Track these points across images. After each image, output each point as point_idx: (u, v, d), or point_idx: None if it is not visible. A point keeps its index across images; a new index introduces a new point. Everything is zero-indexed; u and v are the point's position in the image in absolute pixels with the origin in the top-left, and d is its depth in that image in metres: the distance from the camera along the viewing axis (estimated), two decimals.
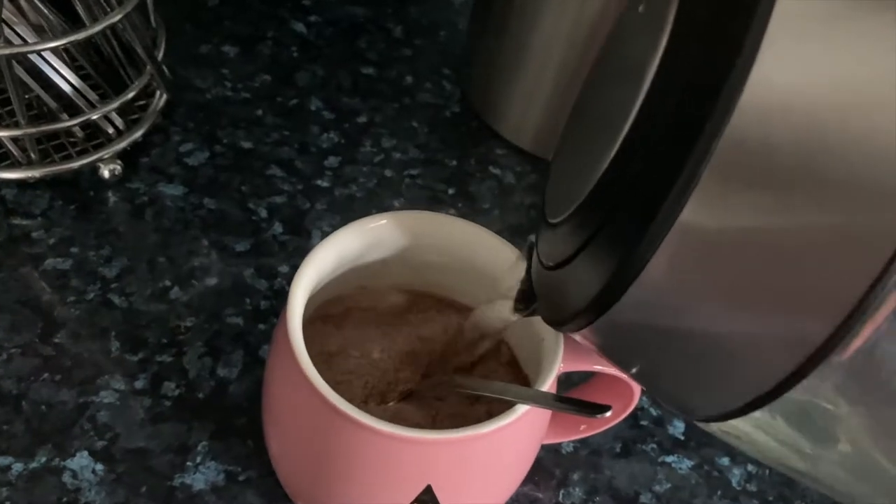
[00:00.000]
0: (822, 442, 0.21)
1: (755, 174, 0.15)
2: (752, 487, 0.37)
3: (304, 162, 0.45)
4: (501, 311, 0.26)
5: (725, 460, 0.37)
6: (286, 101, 0.48)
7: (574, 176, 0.21)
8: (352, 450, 0.24)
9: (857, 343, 0.16)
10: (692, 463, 0.37)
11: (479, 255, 0.29)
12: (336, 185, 0.44)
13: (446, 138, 0.49)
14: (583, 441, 0.37)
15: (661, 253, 0.16)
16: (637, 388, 0.30)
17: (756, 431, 0.20)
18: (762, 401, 0.18)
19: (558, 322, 0.21)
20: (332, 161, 0.46)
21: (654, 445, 0.37)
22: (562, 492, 0.35)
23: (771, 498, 0.37)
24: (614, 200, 0.18)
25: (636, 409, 0.38)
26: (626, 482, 0.36)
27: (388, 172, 0.46)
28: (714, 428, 0.21)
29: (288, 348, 0.25)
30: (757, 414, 0.18)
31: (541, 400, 0.25)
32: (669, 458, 0.37)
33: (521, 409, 0.25)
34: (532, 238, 0.25)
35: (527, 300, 0.25)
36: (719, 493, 0.36)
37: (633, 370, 0.21)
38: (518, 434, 0.26)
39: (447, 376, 0.28)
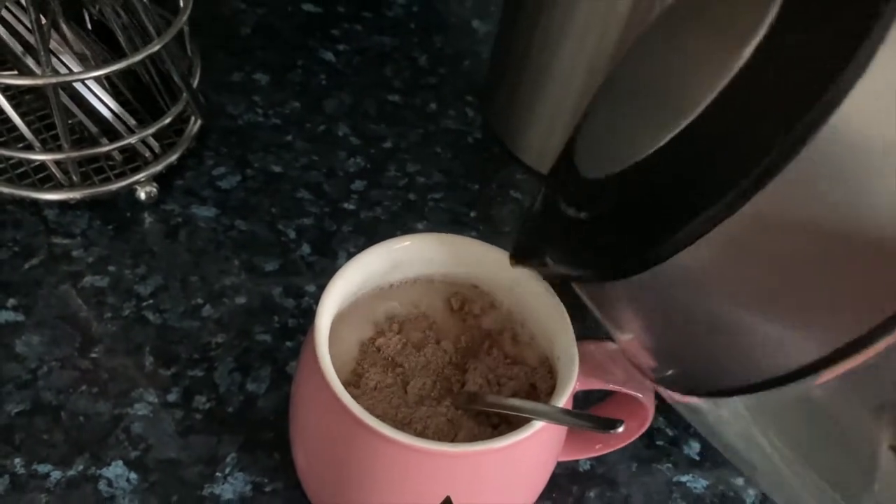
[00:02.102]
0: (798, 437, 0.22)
1: (821, 182, 0.16)
2: None
3: (332, 185, 0.47)
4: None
5: (740, 481, 0.38)
6: (315, 126, 0.50)
7: (620, 137, 0.22)
8: (375, 461, 0.26)
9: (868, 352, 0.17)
10: (707, 483, 0.38)
11: (500, 275, 0.31)
12: (362, 208, 0.46)
13: (469, 163, 0.50)
14: (599, 460, 0.38)
15: (716, 231, 0.17)
16: (651, 408, 0.30)
17: (739, 413, 0.21)
18: (761, 386, 0.19)
19: (574, 275, 0.21)
20: (358, 185, 0.47)
21: (670, 465, 0.38)
22: None
23: None
24: (680, 170, 0.19)
25: (652, 428, 0.39)
26: (642, 500, 0.37)
27: (411, 196, 0.47)
28: (697, 402, 0.22)
29: (314, 363, 0.26)
30: (751, 397, 0.20)
31: (555, 415, 0.26)
32: (685, 478, 0.38)
33: (537, 424, 0.26)
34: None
35: (526, 251, 0.26)
36: None
37: (634, 335, 0.22)
38: (533, 449, 0.27)
39: (465, 394, 0.29)
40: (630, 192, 0.20)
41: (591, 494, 0.37)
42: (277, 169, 0.47)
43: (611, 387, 0.29)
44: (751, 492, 0.38)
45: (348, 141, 0.50)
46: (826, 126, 0.16)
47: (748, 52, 0.19)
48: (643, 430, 0.31)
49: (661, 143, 0.20)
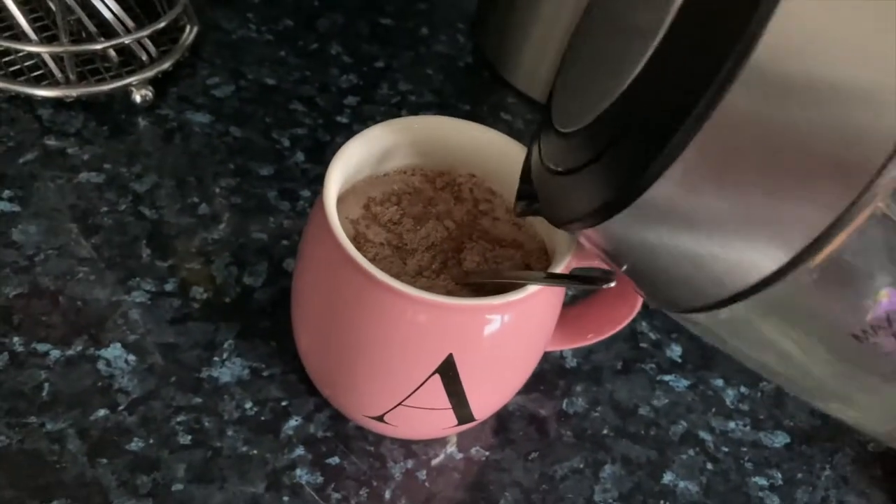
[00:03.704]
0: (788, 338, 0.23)
1: (769, 97, 0.17)
2: (744, 407, 0.39)
3: (325, 100, 0.47)
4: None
5: (720, 382, 0.40)
6: (307, 44, 0.50)
7: (587, 90, 0.23)
8: (382, 317, 0.26)
9: (829, 249, 0.18)
10: (688, 383, 0.39)
11: (500, 162, 0.32)
12: (355, 122, 0.46)
13: (459, 85, 0.51)
14: (585, 358, 0.39)
15: (672, 169, 0.18)
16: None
17: (733, 322, 0.23)
18: (743, 295, 0.20)
19: (562, 222, 0.23)
20: (350, 100, 0.48)
21: (653, 365, 0.40)
22: (565, 401, 0.37)
23: (762, 417, 0.39)
24: (632, 119, 0.20)
25: (636, 332, 0.41)
26: (626, 396, 0.38)
27: (404, 113, 0.48)
28: (698, 318, 0.23)
29: (323, 225, 0.26)
30: (738, 306, 0.21)
31: (551, 279, 0.27)
32: (667, 378, 0.39)
33: (535, 287, 0.27)
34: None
35: (526, 200, 0.27)
36: (714, 410, 0.38)
37: (626, 267, 0.23)
38: (532, 310, 0.28)
39: (463, 270, 0.30)
40: (599, 140, 0.21)
41: (578, 388, 0.38)
42: (271, 81, 0.47)
43: (603, 265, 0.30)
44: (730, 392, 0.39)
45: (341, 59, 0.50)
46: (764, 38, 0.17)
47: None
48: (633, 314, 0.32)
49: (622, 90, 0.20)
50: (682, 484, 0.35)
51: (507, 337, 0.28)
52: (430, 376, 0.28)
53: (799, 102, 0.17)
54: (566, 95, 0.26)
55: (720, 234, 0.19)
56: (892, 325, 0.20)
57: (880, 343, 0.20)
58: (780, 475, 0.37)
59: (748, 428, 0.38)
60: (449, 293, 0.29)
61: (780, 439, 0.38)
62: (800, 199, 0.18)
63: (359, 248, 0.30)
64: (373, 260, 0.29)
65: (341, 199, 0.30)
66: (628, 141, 0.20)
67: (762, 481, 0.36)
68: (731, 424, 0.38)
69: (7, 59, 0.42)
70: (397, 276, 0.29)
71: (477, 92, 0.51)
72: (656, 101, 0.19)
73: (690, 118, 0.17)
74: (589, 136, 0.22)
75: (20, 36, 0.41)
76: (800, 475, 0.37)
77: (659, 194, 0.19)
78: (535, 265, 0.31)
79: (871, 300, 0.20)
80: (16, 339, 0.34)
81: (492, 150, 0.32)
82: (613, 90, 0.21)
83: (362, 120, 0.47)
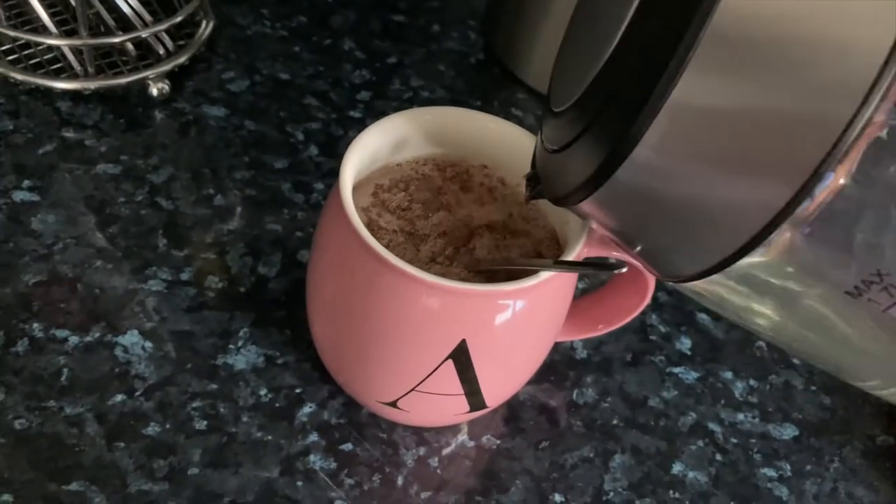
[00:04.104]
0: (781, 298, 0.24)
1: (735, 58, 0.18)
2: (753, 399, 0.39)
3: (338, 95, 0.48)
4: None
5: (729, 374, 0.40)
6: (321, 40, 0.51)
7: (576, 70, 0.24)
8: (396, 302, 0.27)
9: (811, 206, 0.19)
10: (697, 375, 0.40)
11: (511, 153, 0.32)
12: (367, 116, 0.47)
13: (470, 82, 0.51)
14: (595, 349, 0.39)
15: (650, 132, 0.19)
16: (652, 281, 0.32)
17: (730, 285, 0.23)
18: (735, 257, 0.21)
19: (560, 198, 0.23)
20: (363, 95, 0.48)
21: (663, 357, 0.40)
22: (575, 392, 0.38)
23: (770, 409, 0.39)
24: (611, 90, 0.21)
25: (646, 325, 0.41)
26: (636, 387, 0.38)
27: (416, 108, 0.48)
28: (697, 286, 0.24)
29: (339, 208, 0.27)
30: (732, 269, 0.21)
31: (563, 266, 0.27)
32: (676, 370, 0.40)
33: (547, 273, 0.27)
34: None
35: (531, 184, 0.28)
36: (722, 401, 0.39)
37: (627, 240, 0.24)
38: (544, 297, 0.28)
39: (476, 257, 0.30)
40: (580, 118, 0.22)
41: (588, 379, 0.38)
42: (285, 76, 0.48)
43: (614, 254, 0.30)
44: (738, 384, 0.40)
45: (353, 55, 0.51)
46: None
47: None
48: (644, 303, 0.32)
49: (602, 63, 0.21)
50: (691, 474, 0.36)
51: (520, 323, 0.28)
52: (443, 362, 0.28)
53: (767, 57, 0.18)
54: (560, 78, 0.27)
55: (708, 190, 0.20)
56: (884, 279, 0.20)
57: (874, 300, 0.21)
58: (788, 467, 0.37)
59: (757, 420, 0.38)
60: (462, 279, 0.30)
61: (788, 431, 0.38)
62: (782, 148, 0.19)
63: (372, 236, 0.30)
64: (387, 246, 0.30)
65: (354, 189, 0.31)
66: (611, 110, 0.21)
67: (771, 472, 0.37)
68: (740, 416, 0.38)
69: (27, 52, 0.42)
70: (411, 263, 0.29)
71: (488, 88, 0.51)
72: (633, 69, 0.20)
73: (662, 81, 0.18)
74: (577, 111, 0.23)
75: (40, 30, 0.42)
76: (808, 467, 0.37)
77: (642, 157, 0.19)
78: (546, 253, 0.31)
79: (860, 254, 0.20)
80: (35, 325, 0.34)
81: (504, 141, 0.32)
82: (595, 65, 0.22)
83: (375, 115, 0.47)
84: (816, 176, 0.18)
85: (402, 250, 0.30)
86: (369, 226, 0.30)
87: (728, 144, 0.19)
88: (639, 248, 0.24)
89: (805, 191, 0.19)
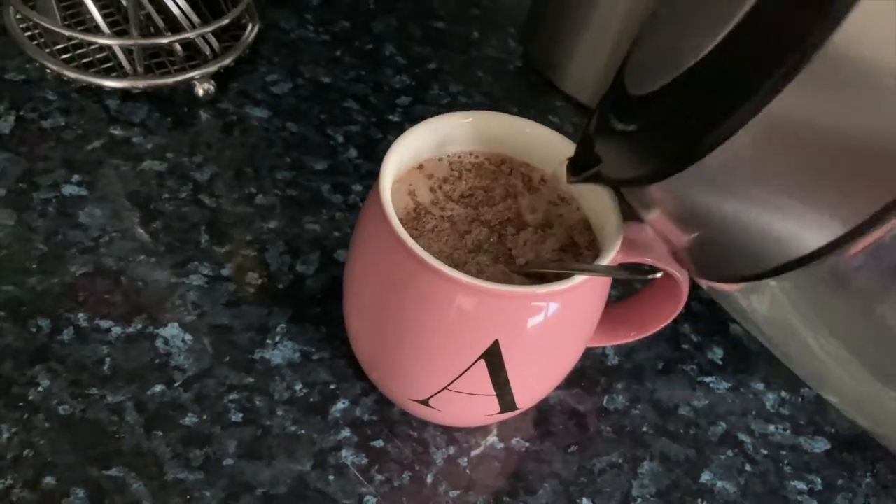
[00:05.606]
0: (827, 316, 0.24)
1: (843, 79, 0.18)
2: (784, 411, 0.39)
3: (378, 99, 0.49)
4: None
5: (760, 385, 0.40)
6: (363, 45, 0.52)
7: (665, 55, 0.24)
8: (431, 300, 0.27)
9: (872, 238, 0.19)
10: (729, 385, 0.40)
11: (551, 157, 0.32)
12: (406, 121, 0.48)
13: (509, 88, 0.52)
14: (627, 356, 0.39)
15: (745, 130, 0.19)
16: (686, 289, 0.32)
17: (775, 293, 0.23)
18: (790, 267, 0.21)
19: (633, 178, 0.23)
20: (403, 100, 0.49)
21: (694, 367, 0.40)
22: (606, 398, 0.38)
23: (802, 422, 0.39)
24: (714, 80, 0.21)
25: (678, 333, 0.41)
26: (667, 396, 0.39)
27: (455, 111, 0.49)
28: (739, 288, 0.24)
29: (378, 207, 0.28)
30: (783, 278, 0.22)
31: (600, 269, 0.28)
32: (707, 379, 0.40)
33: (581, 277, 0.27)
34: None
35: (581, 167, 0.28)
36: (753, 412, 0.39)
37: (684, 229, 0.24)
38: (578, 301, 0.29)
39: (513, 261, 0.31)
40: (674, 101, 0.22)
41: (619, 386, 0.38)
42: (327, 80, 0.49)
43: (648, 261, 0.30)
44: (770, 396, 0.39)
45: (394, 60, 0.51)
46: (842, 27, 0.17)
47: None
48: (678, 311, 0.33)
49: (701, 55, 0.21)
50: (719, 484, 0.36)
51: (553, 326, 0.29)
52: (475, 361, 0.28)
53: (868, 89, 0.18)
54: (641, 62, 0.27)
55: (785, 198, 0.20)
56: None
57: None
58: (819, 480, 0.37)
59: (788, 432, 0.38)
60: (505, 275, 0.30)
61: (820, 445, 0.38)
62: (868, 171, 0.19)
63: (418, 220, 0.31)
64: (431, 231, 0.30)
65: (400, 180, 0.32)
66: (711, 98, 0.21)
67: (801, 485, 0.37)
68: (771, 428, 0.38)
69: (80, 51, 0.44)
70: (454, 250, 0.30)
71: (525, 95, 0.52)
72: (743, 62, 0.20)
73: (773, 79, 0.18)
74: (670, 95, 0.23)
75: (93, 30, 0.43)
76: (840, 482, 0.37)
77: (734, 147, 0.20)
78: (578, 237, 0.32)
79: None
80: (80, 315, 0.35)
81: (543, 145, 0.33)
82: (694, 53, 0.22)
83: (413, 119, 0.48)
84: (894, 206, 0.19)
85: (447, 236, 0.30)
86: (416, 210, 0.31)
87: (817, 156, 0.19)
88: (691, 240, 0.25)
89: (878, 218, 0.19)
